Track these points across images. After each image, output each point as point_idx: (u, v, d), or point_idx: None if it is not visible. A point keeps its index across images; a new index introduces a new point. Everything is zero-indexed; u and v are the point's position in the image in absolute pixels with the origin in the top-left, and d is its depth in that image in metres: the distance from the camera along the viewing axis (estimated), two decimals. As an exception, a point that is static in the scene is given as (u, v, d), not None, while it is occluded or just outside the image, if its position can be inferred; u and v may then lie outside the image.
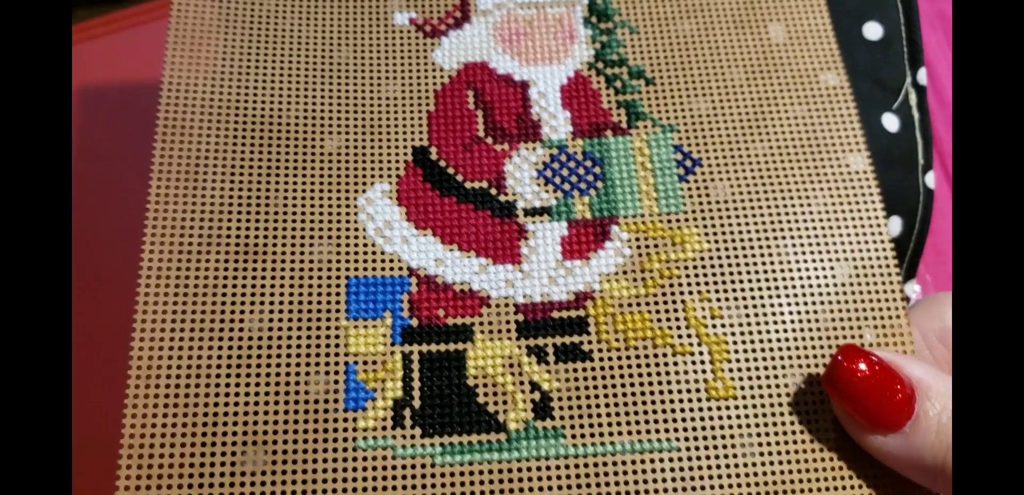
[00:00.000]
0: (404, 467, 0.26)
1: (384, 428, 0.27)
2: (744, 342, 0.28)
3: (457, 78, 0.32)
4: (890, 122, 0.34)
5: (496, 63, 0.33)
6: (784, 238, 0.30)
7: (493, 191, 0.31)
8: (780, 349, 0.28)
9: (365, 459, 0.26)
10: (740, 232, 0.30)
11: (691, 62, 0.33)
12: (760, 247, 0.30)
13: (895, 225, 0.35)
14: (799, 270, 0.29)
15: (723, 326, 0.29)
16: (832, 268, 0.29)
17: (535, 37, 0.33)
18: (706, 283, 0.29)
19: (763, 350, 0.28)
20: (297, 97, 0.31)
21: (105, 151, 0.47)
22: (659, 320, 0.29)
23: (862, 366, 0.26)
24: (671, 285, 0.29)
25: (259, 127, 0.30)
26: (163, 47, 0.30)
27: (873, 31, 0.35)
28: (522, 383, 0.28)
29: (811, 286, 0.29)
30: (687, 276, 0.29)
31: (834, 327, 0.29)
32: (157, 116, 0.30)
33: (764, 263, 0.30)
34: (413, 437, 0.27)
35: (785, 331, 0.29)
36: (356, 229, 0.29)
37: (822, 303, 0.29)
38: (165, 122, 0.30)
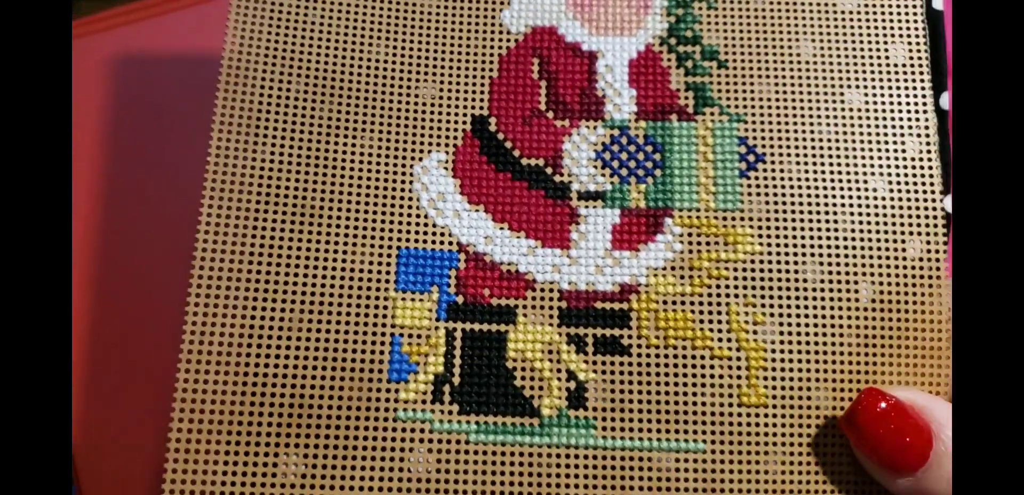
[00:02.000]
0: (440, 441, 0.28)
1: (424, 402, 0.28)
2: (782, 352, 0.29)
3: (523, 43, 0.32)
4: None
5: (565, 29, 0.32)
6: (836, 250, 0.29)
7: (549, 170, 0.30)
8: (815, 365, 0.28)
9: (404, 430, 0.28)
10: (795, 238, 0.29)
11: (768, 47, 0.31)
12: (812, 257, 0.29)
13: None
14: (846, 286, 0.29)
15: (764, 334, 0.29)
16: (881, 292, 0.29)
17: (609, 3, 0.32)
18: (753, 287, 0.29)
19: (799, 363, 0.28)
20: (360, 55, 0.31)
21: (111, 150, 0.47)
22: (701, 321, 0.29)
23: (881, 409, 0.26)
24: (718, 286, 0.29)
25: (320, 84, 0.30)
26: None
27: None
28: (559, 370, 0.28)
29: (854, 305, 0.29)
30: (735, 278, 0.29)
31: (871, 352, 0.29)
32: (220, 70, 0.30)
33: (813, 274, 0.29)
34: (451, 413, 0.28)
35: (822, 347, 0.29)
36: (411, 198, 0.30)
37: (865, 323, 0.29)
38: (227, 75, 0.30)
